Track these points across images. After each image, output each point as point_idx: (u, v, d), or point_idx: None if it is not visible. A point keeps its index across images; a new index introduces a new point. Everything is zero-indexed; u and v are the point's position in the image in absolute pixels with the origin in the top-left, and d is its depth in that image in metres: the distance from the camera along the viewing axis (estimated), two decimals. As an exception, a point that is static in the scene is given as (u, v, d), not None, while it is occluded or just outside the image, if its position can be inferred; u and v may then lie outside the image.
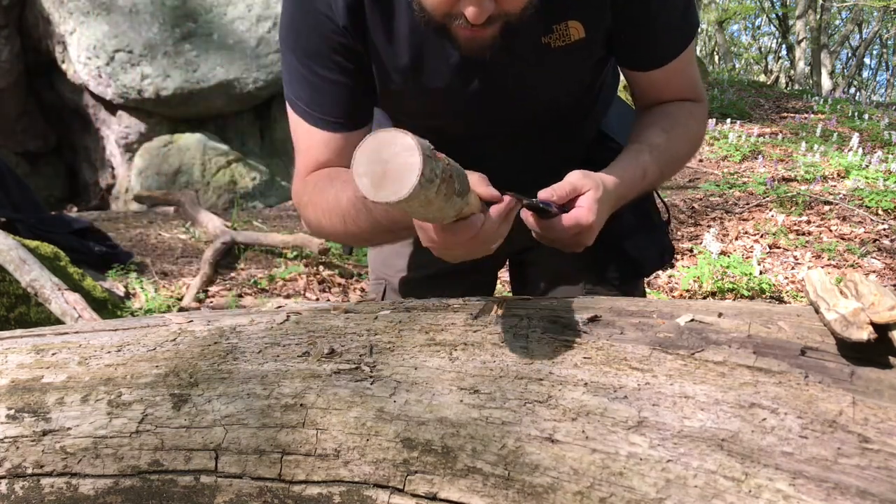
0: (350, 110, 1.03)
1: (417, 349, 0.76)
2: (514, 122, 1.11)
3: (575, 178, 0.93)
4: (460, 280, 1.28)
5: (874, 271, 4.28)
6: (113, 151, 7.09)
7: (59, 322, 2.74)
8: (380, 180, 0.64)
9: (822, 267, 4.30)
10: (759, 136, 8.03)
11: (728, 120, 8.52)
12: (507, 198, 0.82)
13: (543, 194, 0.90)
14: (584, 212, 0.90)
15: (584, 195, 0.91)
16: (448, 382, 0.72)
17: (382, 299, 1.32)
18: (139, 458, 0.76)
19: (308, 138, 1.04)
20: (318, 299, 4.00)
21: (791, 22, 19.20)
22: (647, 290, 4.06)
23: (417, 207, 0.67)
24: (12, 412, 0.81)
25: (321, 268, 4.36)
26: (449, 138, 1.14)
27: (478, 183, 0.80)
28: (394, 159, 0.64)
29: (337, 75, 1.01)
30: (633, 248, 1.20)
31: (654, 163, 1.02)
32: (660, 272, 4.30)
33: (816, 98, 11.40)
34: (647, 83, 1.09)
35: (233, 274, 4.34)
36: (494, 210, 0.80)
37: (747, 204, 5.57)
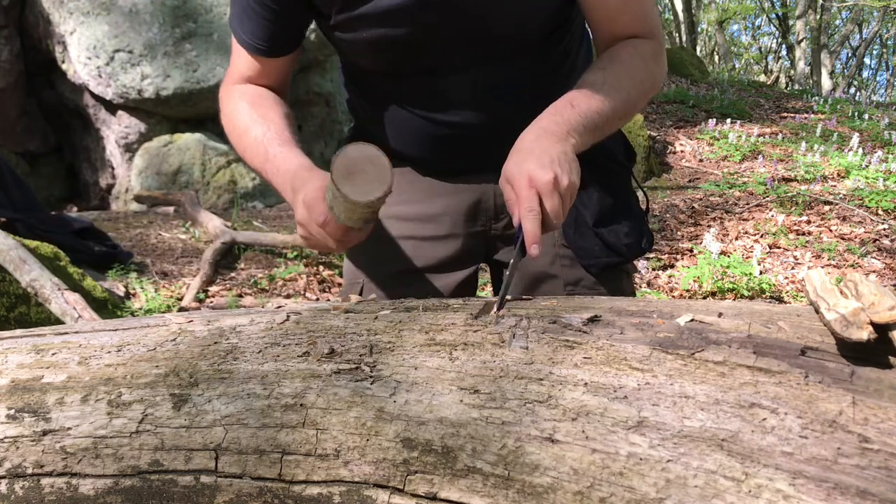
0: (271, 42, 1.15)
1: (417, 349, 0.76)
2: (474, 54, 1.09)
3: (504, 188, 0.96)
4: (437, 276, 1.26)
5: (874, 271, 4.28)
6: (113, 151, 7.09)
7: (59, 322, 2.74)
8: (352, 178, 0.83)
9: (822, 267, 4.30)
10: (759, 136, 8.03)
11: (728, 120, 8.52)
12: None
13: (515, 221, 0.93)
14: (527, 233, 0.90)
15: (517, 188, 0.92)
16: (448, 382, 0.72)
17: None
18: (139, 458, 0.76)
19: (237, 52, 1.18)
20: (318, 299, 4.00)
21: (791, 22, 19.21)
22: (648, 290, 4.08)
23: (351, 209, 0.88)
24: (12, 412, 0.81)
25: (321, 268, 4.36)
26: (411, 70, 1.13)
27: None
28: (368, 173, 0.84)
29: (261, 9, 1.11)
30: (610, 234, 1.21)
31: (584, 95, 1.01)
32: (660, 273, 4.30)
33: (816, 98, 11.41)
34: (599, 11, 1.09)
35: (233, 274, 4.34)
36: (357, 235, 0.98)
37: (747, 204, 5.57)
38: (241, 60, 1.18)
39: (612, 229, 1.21)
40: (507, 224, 1.25)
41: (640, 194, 1.30)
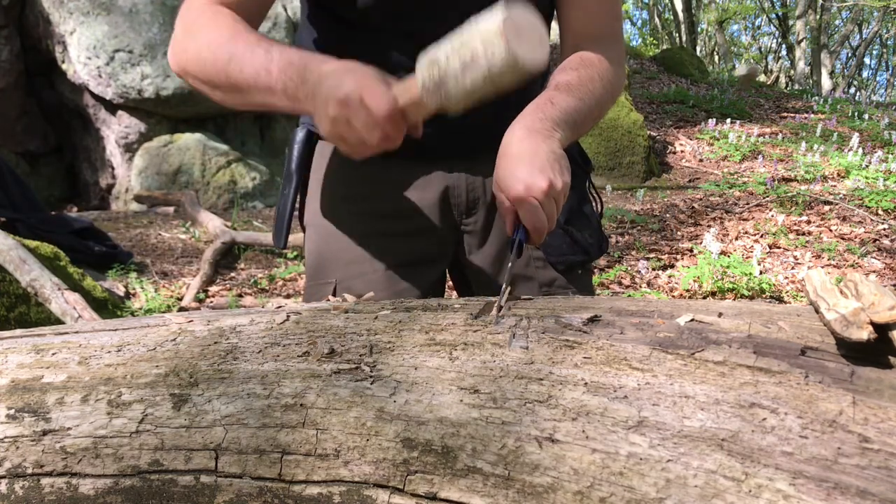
0: None
1: (417, 349, 0.76)
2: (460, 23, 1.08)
3: (497, 195, 0.94)
4: (414, 272, 1.24)
5: (874, 271, 4.28)
6: (113, 151, 7.09)
7: (59, 322, 2.74)
8: (520, 38, 0.77)
9: (822, 267, 4.30)
10: (759, 136, 8.04)
11: (728, 120, 8.52)
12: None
13: (509, 230, 0.94)
14: (532, 230, 0.91)
15: (518, 209, 0.92)
16: (448, 382, 0.72)
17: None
18: (139, 458, 0.76)
19: None
20: (318, 299, 3.99)
21: (791, 22, 19.22)
22: (648, 290, 4.08)
23: (490, 78, 0.80)
24: (12, 412, 0.81)
25: (321, 268, 4.36)
26: (393, 29, 1.10)
27: None
28: (534, 36, 0.79)
29: None
30: (577, 233, 1.23)
31: (562, 94, 1.02)
32: (660, 273, 4.30)
33: (816, 98, 11.42)
34: (575, 8, 1.11)
35: (233, 274, 4.35)
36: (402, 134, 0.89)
37: (747, 204, 5.57)
38: None
39: (577, 228, 1.24)
40: (476, 220, 1.25)
41: (595, 200, 1.34)
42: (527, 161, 0.91)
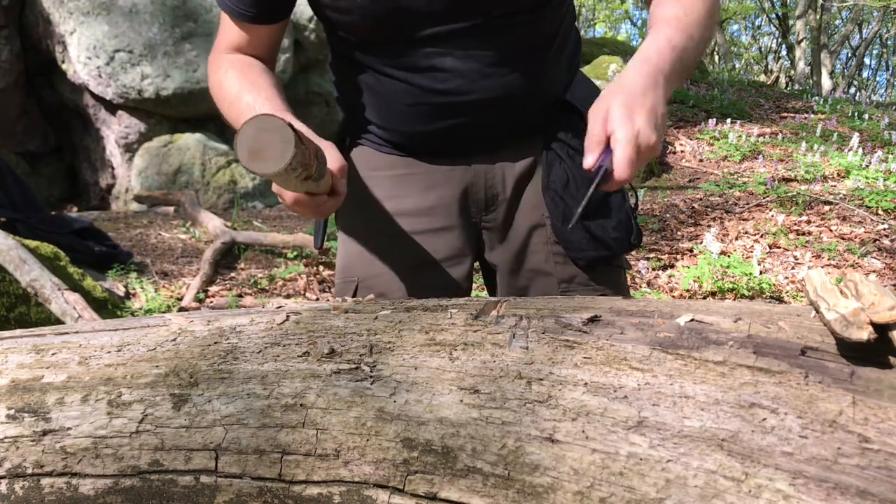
0: (257, 8, 1.15)
1: (417, 349, 0.76)
2: (473, 23, 1.09)
3: (592, 123, 0.96)
4: (437, 270, 1.25)
5: (874, 271, 4.28)
6: (113, 151, 7.09)
7: (59, 322, 2.74)
8: (255, 153, 0.80)
9: (822, 267, 4.30)
10: (759, 136, 8.03)
11: (728, 120, 8.52)
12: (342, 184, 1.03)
13: (588, 162, 0.95)
14: (621, 159, 0.92)
15: (612, 136, 0.93)
16: (448, 382, 0.72)
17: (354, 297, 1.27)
18: (139, 458, 0.76)
19: (226, 21, 1.19)
20: (318, 299, 4.00)
21: (791, 22, 19.22)
22: (648, 290, 4.08)
23: (278, 181, 0.89)
24: (12, 412, 0.81)
25: (321, 268, 4.37)
26: (407, 38, 1.11)
27: (337, 170, 1.00)
28: (272, 143, 0.80)
29: None
30: (598, 227, 1.20)
31: (677, 31, 1.02)
32: (660, 273, 4.30)
33: (816, 98, 11.41)
34: None
35: (233, 274, 4.35)
36: (333, 200, 1.02)
37: (747, 204, 5.57)
38: (229, 29, 1.18)
39: (600, 223, 1.21)
40: (496, 217, 1.25)
41: (630, 192, 1.31)
42: (646, 111, 0.94)
